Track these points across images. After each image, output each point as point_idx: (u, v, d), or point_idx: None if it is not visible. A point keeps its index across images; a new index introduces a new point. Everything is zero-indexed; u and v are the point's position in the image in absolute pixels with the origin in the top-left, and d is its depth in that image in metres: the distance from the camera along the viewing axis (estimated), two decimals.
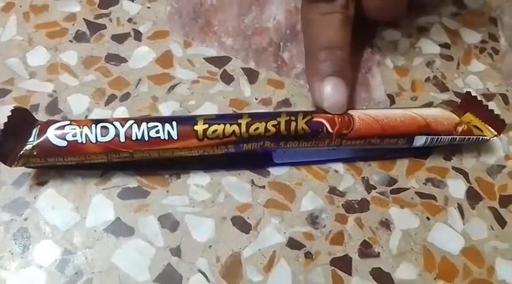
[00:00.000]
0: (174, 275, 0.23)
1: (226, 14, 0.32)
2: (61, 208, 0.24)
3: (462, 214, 0.26)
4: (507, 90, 0.30)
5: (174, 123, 0.23)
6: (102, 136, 0.23)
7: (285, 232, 0.24)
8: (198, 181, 0.25)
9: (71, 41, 0.29)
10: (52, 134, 0.23)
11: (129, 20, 0.31)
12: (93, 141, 0.23)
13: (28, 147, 0.22)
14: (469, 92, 0.28)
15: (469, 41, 0.32)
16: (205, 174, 0.25)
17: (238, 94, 0.28)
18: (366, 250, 0.24)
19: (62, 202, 0.24)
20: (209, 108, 0.28)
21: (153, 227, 0.24)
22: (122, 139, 0.23)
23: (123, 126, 0.23)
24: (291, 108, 0.28)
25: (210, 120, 0.23)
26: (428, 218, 0.25)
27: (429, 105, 0.29)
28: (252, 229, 0.24)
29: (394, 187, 0.26)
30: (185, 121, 0.23)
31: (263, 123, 0.24)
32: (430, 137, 0.25)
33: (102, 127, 0.23)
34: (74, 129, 0.23)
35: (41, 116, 0.26)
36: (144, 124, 0.23)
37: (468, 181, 0.27)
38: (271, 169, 0.26)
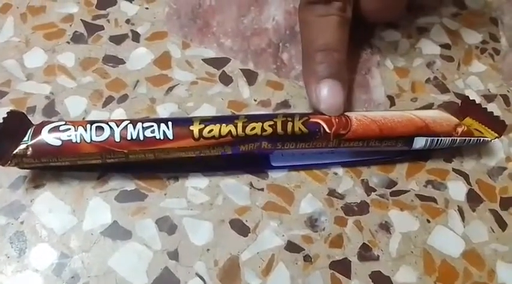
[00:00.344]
0: (171, 279, 0.22)
1: (225, 15, 0.31)
2: (58, 211, 0.24)
3: (462, 216, 0.25)
4: (508, 91, 0.30)
5: (170, 123, 0.23)
6: (97, 136, 0.22)
7: (283, 235, 0.24)
8: (196, 183, 0.25)
9: (68, 42, 0.29)
10: (46, 134, 0.22)
11: (127, 21, 0.31)
12: (88, 140, 0.22)
13: (22, 146, 0.22)
14: (467, 96, 0.28)
15: (469, 42, 0.32)
16: (203, 176, 0.25)
17: (237, 96, 0.28)
18: (366, 253, 0.24)
19: (58, 205, 0.24)
20: (207, 110, 0.27)
21: (150, 230, 0.23)
22: (117, 139, 0.23)
23: (118, 126, 0.23)
24: (290, 109, 0.28)
25: (206, 120, 0.23)
26: (428, 221, 0.25)
27: (429, 106, 0.29)
28: (251, 232, 0.24)
29: (393, 189, 0.26)
30: (181, 121, 0.23)
31: (259, 123, 0.23)
32: (429, 139, 0.25)
33: (97, 127, 0.23)
34: (69, 129, 0.23)
35: (37, 118, 0.26)
36: (139, 124, 0.23)
37: (469, 183, 0.26)
38: (269, 172, 0.26)
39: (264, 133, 0.23)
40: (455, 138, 0.25)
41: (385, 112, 0.26)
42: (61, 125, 0.23)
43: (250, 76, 0.29)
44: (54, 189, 0.24)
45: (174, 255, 0.23)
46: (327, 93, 0.25)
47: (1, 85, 0.27)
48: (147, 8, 0.31)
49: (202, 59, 0.29)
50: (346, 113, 0.25)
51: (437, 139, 0.25)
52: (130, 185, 0.25)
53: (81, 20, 0.30)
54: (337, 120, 0.24)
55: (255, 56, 0.30)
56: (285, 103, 0.28)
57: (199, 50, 0.30)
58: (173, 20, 0.31)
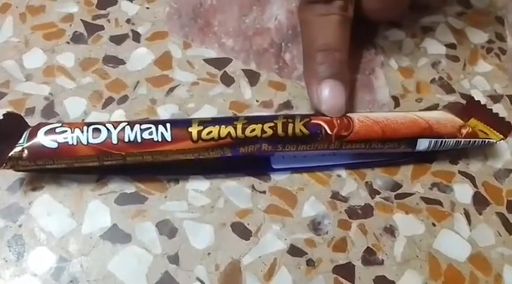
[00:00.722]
0: (171, 283, 0.22)
1: (227, 15, 0.31)
2: (56, 214, 0.23)
3: (469, 219, 0.25)
4: None
5: (168, 125, 0.23)
6: (93, 138, 0.22)
7: (286, 239, 0.24)
8: (197, 186, 0.25)
9: (68, 43, 0.29)
10: (42, 136, 0.22)
11: (128, 21, 0.30)
12: (85, 142, 0.22)
13: (17, 149, 0.22)
14: (472, 97, 0.28)
15: (475, 41, 0.32)
16: (204, 179, 0.25)
17: (239, 97, 0.28)
18: (370, 257, 0.23)
19: (57, 208, 0.23)
20: (209, 111, 0.27)
21: (150, 233, 0.23)
22: (114, 141, 0.22)
23: (115, 128, 0.22)
24: (293, 110, 0.28)
25: (205, 122, 0.23)
26: (433, 225, 0.25)
27: (435, 107, 0.28)
28: (252, 236, 0.23)
29: (398, 192, 0.25)
30: (179, 123, 0.23)
31: (259, 125, 0.23)
32: (433, 140, 0.25)
33: (94, 129, 0.22)
34: (65, 131, 0.22)
35: (36, 120, 0.26)
36: (137, 126, 0.22)
37: (475, 185, 0.26)
38: (272, 174, 0.25)
39: (264, 135, 0.23)
40: (460, 139, 0.25)
41: (387, 113, 0.25)
42: (57, 127, 0.22)
43: (252, 77, 0.29)
44: (53, 192, 0.24)
45: (174, 259, 0.23)
46: (328, 94, 0.25)
47: (0, 86, 0.27)
48: (147, 8, 0.31)
49: (203, 59, 0.29)
50: (348, 114, 0.24)
51: (441, 141, 0.25)
52: (130, 187, 0.24)
53: (81, 19, 0.30)
54: (338, 121, 0.24)
55: (257, 56, 0.30)
56: (287, 104, 0.28)
57: (200, 50, 0.29)
58: (174, 19, 0.31)
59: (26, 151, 0.22)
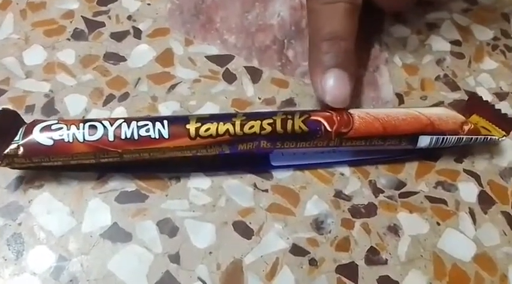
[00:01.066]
0: (172, 283, 0.22)
1: (229, 11, 0.31)
2: (56, 212, 0.23)
3: (474, 219, 0.25)
4: None
5: (166, 122, 0.22)
6: (90, 135, 0.22)
7: (288, 238, 0.23)
8: (198, 184, 0.24)
9: (68, 39, 0.29)
10: (38, 133, 0.22)
11: (129, 17, 0.30)
12: (81, 140, 0.22)
13: (13, 146, 0.22)
14: (475, 93, 0.27)
15: (480, 38, 0.31)
16: (205, 177, 0.25)
17: (241, 94, 0.28)
18: (373, 256, 0.23)
19: (57, 207, 0.23)
20: (211, 108, 0.27)
21: (151, 232, 0.23)
22: (111, 138, 0.22)
23: (112, 125, 0.22)
24: (296, 107, 0.27)
25: (203, 118, 0.23)
26: (438, 224, 0.24)
27: (439, 104, 0.28)
28: (254, 235, 0.23)
29: (402, 190, 0.25)
30: (177, 120, 0.23)
31: (258, 122, 0.23)
32: (435, 137, 0.24)
33: (90, 126, 0.22)
34: (61, 128, 0.22)
35: (37, 117, 0.25)
36: (134, 123, 0.22)
37: (480, 184, 0.26)
38: (274, 172, 0.25)
39: (263, 132, 0.23)
40: (462, 136, 0.25)
41: (389, 109, 0.25)
42: (53, 124, 0.22)
43: (255, 74, 0.28)
44: (53, 190, 0.24)
45: (175, 258, 0.22)
46: (333, 84, 0.24)
47: (0, 83, 0.27)
48: (149, 4, 0.31)
49: (205, 56, 0.29)
50: (348, 110, 0.24)
51: (443, 138, 0.24)
52: (130, 186, 0.24)
53: (81, 16, 0.30)
54: (338, 117, 0.24)
55: (259, 52, 0.29)
56: (290, 102, 0.27)
57: (202, 47, 0.29)
58: (175, 16, 0.30)
59: (21, 149, 0.22)
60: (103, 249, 0.22)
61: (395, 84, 0.29)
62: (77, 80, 0.27)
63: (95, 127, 0.22)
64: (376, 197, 0.25)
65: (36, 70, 0.27)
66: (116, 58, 0.28)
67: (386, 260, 0.23)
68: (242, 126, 0.23)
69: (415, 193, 0.25)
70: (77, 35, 0.29)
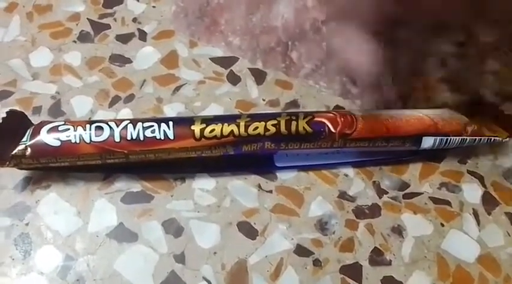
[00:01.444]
0: (178, 282, 0.22)
1: (233, 13, 0.31)
2: (63, 212, 0.23)
3: (478, 220, 0.25)
4: None
5: (171, 123, 0.23)
6: (96, 136, 0.22)
7: (292, 239, 0.23)
8: (203, 185, 0.25)
9: (74, 41, 0.29)
10: (45, 134, 0.22)
11: (134, 20, 0.30)
12: (87, 141, 0.22)
13: (21, 147, 0.22)
14: (478, 94, 0.27)
15: (485, 40, 0.31)
16: (210, 177, 0.25)
17: (245, 96, 0.28)
18: (377, 257, 0.23)
19: (64, 207, 0.23)
20: (215, 110, 0.27)
21: (156, 232, 0.23)
22: (117, 139, 0.22)
23: (118, 126, 0.22)
24: (300, 109, 0.27)
25: (207, 120, 0.23)
26: (442, 225, 0.24)
27: (443, 106, 0.28)
28: (259, 235, 0.23)
29: (406, 191, 0.25)
30: (182, 121, 0.23)
31: (262, 123, 0.23)
32: (438, 138, 0.24)
33: (96, 127, 0.22)
34: (68, 129, 0.22)
35: (43, 118, 0.26)
36: (139, 124, 0.22)
37: (484, 185, 0.26)
38: (278, 173, 0.25)
39: (267, 133, 0.23)
40: (465, 137, 0.25)
41: (392, 110, 0.25)
42: (60, 125, 0.22)
43: (259, 76, 0.29)
44: (60, 190, 0.24)
45: (180, 258, 0.22)
46: None
47: (7, 85, 0.27)
48: (154, 7, 0.31)
49: (209, 58, 0.29)
50: (352, 111, 0.24)
51: (446, 139, 0.24)
52: (136, 186, 0.24)
53: (87, 18, 0.30)
54: (342, 119, 0.24)
55: (263, 54, 0.29)
56: (294, 103, 0.28)
57: (206, 49, 0.29)
58: (180, 18, 0.31)
59: (29, 149, 0.22)
60: (109, 249, 0.22)
61: (398, 85, 0.29)
62: (83, 82, 0.27)
63: (101, 128, 0.22)
64: (380, 198, 0.25)
65: (42, 72, 0.28)
66: (121, 60, 0.28)
67: (390, 261, 0.23)
68: (246, 127, 0.23)
69: (419, 194, 0.25)
70: (83, 37, 0.29)
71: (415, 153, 0.25)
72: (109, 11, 0.30)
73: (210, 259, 0.23)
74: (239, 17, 0.31)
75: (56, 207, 0.23)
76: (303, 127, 0.23)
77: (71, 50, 0.29)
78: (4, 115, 0.23)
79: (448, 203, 0.25)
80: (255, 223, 0.24)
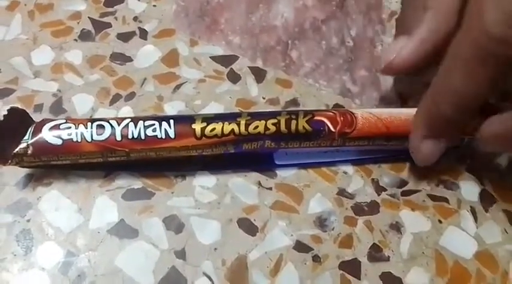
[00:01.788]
0: (178, 278, 0.22)
1: (234, 12, 0.31)
2: (64, 209, 0.23)
3: (475, 217, 0.25)
4: None
5: (172, 122, 0.23)
6: (97, 134, 0.22)
7: (292, 235, 0.24)
8: (203, 182, 0.25)
9: (75, 40, 0.29)
10: (47, 132, 0.22)
11: (135, 19, 0.30)
12: (89, 139, 0.22)
13: (22, 145, 0.22)
14: None
15: None
16: (211, 175, 0.25)
17: (245, 94, 0.28)
18: (376, 253, 0.23)
19: (65, 204, 0.24)
20: (215, 108, 0.27)
21: (157, 229, 0.23)
22: (118, 137, 0.22)
23: (119, 125, 0.23)
24: (300, 108, 0.28)
25: (208, 118, 0.23)
26: (440, 222, 0.25)
27: None
28: (259, 232, 0.24)
29: (405, 189, 0.25)
30: (183, 119, 0.23)
31: (263, 122, 0.23)
32: None
33: (98, 125, 0.22)
34: (70, 127, 0.22)
35: (45, 116, 0.26)
36: (140, 123, 0.23)
37: (482, 183, 0.26)
38: (278, 171, 0.25)
39: (268, 132, 0.23)
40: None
41: (392, 109, 0.25)
42: (61, 123, 0.22)
43: (259, 74, 0.29)
44: (61, 188, 0.24)
45: (181, 254, 0.23)
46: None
47: (9, 83, 0.27)
48: (154, 6, 0.31)
49: (210, 57, 0.29)
50: (351, 110, 0.24)
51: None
52: (137, 183, 0.24)
53: (88, 17, 0.30)
54: (342, 118, 0.24)
55: (263, 53, 0.30)
56: (294, 102, 0.28)
57: (207, 48, 0.30)
58: (181, 17, 0.31)
59: (30, 148, 0.22)
60: (110, 245, 0.23)
61: (398, 84, 0.29)
62: (84, 80, 0.28)
63: (102, 126, 0.22)
64: (378, 195, 0.25)
65: (44, 70, 0.28)
66: (122, 58, 0.29)
67: (389, 257, 0.23)
68: (247, 126, 0.23)
69: (417, 191, 0.25)
70: (84, 36, 0.29)
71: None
72: (110, 9, 0.31)
73: (210, 255, 0.23)
74: (239, 16, 0.31)
75: (57, 203, 0.24)
76: (303, 126, 0.23)
77: (72, 48, 0.29)
78: (5, 113, 0.23)
79: (446, 200, 0.25)
80: (255, 220, 0.24)
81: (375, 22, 0.31)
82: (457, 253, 0.24)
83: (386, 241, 0.24)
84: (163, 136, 0.23)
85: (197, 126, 0.23)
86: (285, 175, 0.25)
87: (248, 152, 0.24)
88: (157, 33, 0.30)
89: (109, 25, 0.30)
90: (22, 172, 0.24)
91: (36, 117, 0.24)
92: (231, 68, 0.29)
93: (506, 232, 0.25)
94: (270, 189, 0.25)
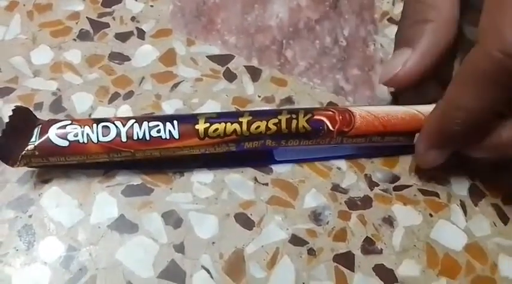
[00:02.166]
0: (177, 271, 0.23)
1: (229, 12, 0.32)
2: (65, 205, 0.24)
3: (465, 211, 0.26)
4: None
5: (175, 122, 0.23)
6: (103, 136, 0.23)
7: (288, 229, 0.24)
8: (201, 178, 0.25)
9: (74, 40, 0.30)
10: (54, 134, 0.23)
11: (132, 19, 0.31)
12: (95, 141, 0.23)
13: (30, 147, 0.22)
14: None
15: (472, 37, 0.32)
16: (208, 171, 0.26)
17: (241, 92, 0.29)
18: (369, 246, 0.24)
19: (66, 200, 0.24)
20: (212, 106, 0.28)
21: (156, 224, 0.24)
22: (124, 139, 0.23)
23: (124, 126, 0.23)
24: (294, 106, 0.28)
25: (211, 118, 0.24)
26: (431, 215, 0.25)
27: (434, 101, 0.29)
28: (255, 226, 0.24)
29: (397, 184, 0.26)
30: (186, 120, 0.24)
31: (264, 122, 0.24)
32: None
33: (103, 126, 0.23)
34: (76, 128, 0.23)
35: (45, 114, 0.26)
36: (145, 124, 0.23)
37: (471, 178, 0.27)
38: (274, 167, 0.26)
39: (269, 132, 0.24)
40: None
41: (389, 107, 0.26)
42: (67, 124, 0.23)
43: (254, 73, 0.29)
44: (62, 184, 0.25)
45: (180, 248, 0.23)
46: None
47: (9, 82, 0.28)
48: (151, 6, 0.32)
49: (206, 56, 0.30)
50: (350, 108, 0.25)
51: None
52: (136, 180, 0.25)
53: (87, 17, 0.31)
54: (340, 117, 0.25)
55: (259, 52, 0.30)
56: (289, 100, 0.28)
57: (203, 47, 0.30)
58: (178, 17, 0.31)
59: (37, 150, 0.22)
60: (111, 240, 0.23)
61: None
62: (83, 79, 0.28)
63: (108, 127, 0.23)
64: (371, 190, 0.26)
65: (43, 69, 0.28)
66: (120, 58, 0.29)
67: (382, 250, 0.24)
68: (249, 126, 0.24)
69: (408, 186, 0.26)
70: (83, 36, 0.30)
71: (409, 146, 0.26)
72: (108, 10, 0.31)
73: (208, 248, 0.23)
74: (235, 16, 0.32)
75: (58, 199, 0.24)
76: (303, 126, 0.24)
77: (71, 48, 0.29)
78: (10, 113, 0.23)
79: (437, 195, 0.26)
80: (251, 215, 0.25)
81: (368, 22, 0.32)
82: (447, 246, 0.24)
83: (379, 234, 0.25)
84: (168, 137, 0.23)
85: (200, 127, 0.23)
86: (280, 171, 0.26)
87: (248, 150, 0.24)
88: (155, 33, 0.30)
89: (107, 25, 0.30)
90: (24, 169, 0.24)
91: (37, 116, 0.24)
92: (227, 67, 0.29)
93: (495, 225, 0.25)
94: (266, 184, 0.25)
